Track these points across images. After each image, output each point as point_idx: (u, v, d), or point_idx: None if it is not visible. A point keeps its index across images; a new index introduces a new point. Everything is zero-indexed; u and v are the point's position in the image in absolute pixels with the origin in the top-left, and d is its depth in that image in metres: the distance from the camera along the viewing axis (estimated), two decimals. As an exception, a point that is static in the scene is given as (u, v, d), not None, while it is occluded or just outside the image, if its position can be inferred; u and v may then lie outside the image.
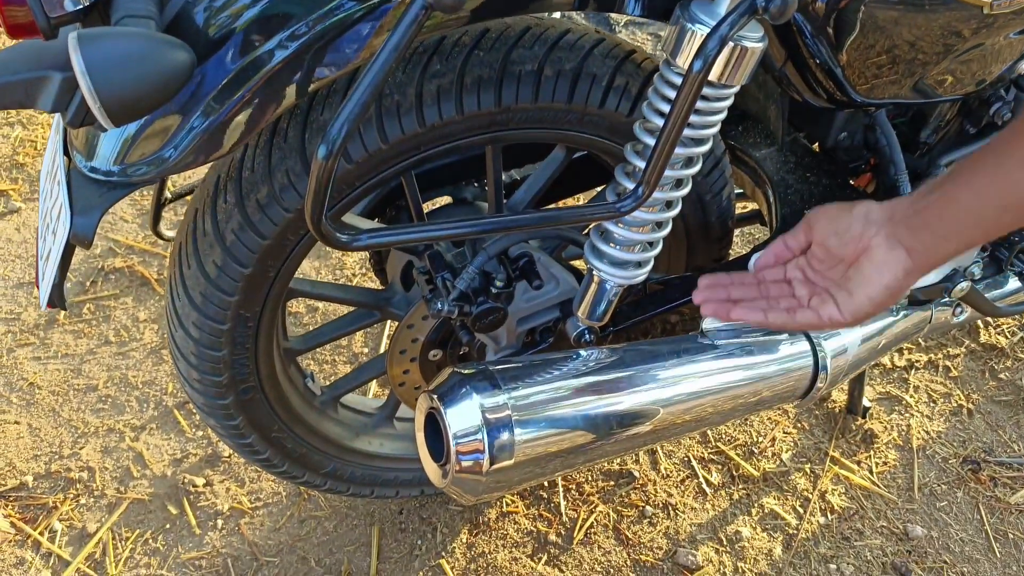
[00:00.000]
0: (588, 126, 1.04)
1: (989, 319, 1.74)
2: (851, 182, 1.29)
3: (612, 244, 0.99)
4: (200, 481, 1.51)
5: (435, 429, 0.93)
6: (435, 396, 0.91)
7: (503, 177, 1.30)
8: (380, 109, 0.94)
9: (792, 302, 0.93)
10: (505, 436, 0.90)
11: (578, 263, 1.23)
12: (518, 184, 1.30)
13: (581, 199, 1.79)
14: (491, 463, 0.90)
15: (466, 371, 0.92)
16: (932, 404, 1.66)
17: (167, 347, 1.48)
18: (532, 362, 0.97)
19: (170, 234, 1.21)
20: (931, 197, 0.82)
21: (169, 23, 0.80)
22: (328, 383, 1.31)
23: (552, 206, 1.32)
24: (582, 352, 1.01)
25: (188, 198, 1.19)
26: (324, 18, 0.80)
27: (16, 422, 1.58)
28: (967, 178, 0.80)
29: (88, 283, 1.83)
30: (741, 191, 1.39)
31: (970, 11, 0.95)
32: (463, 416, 0.89)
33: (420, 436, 0.93)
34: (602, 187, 1.40)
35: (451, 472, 0.90)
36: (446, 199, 1.29)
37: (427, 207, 1.29)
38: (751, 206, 1.55)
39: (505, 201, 1.23)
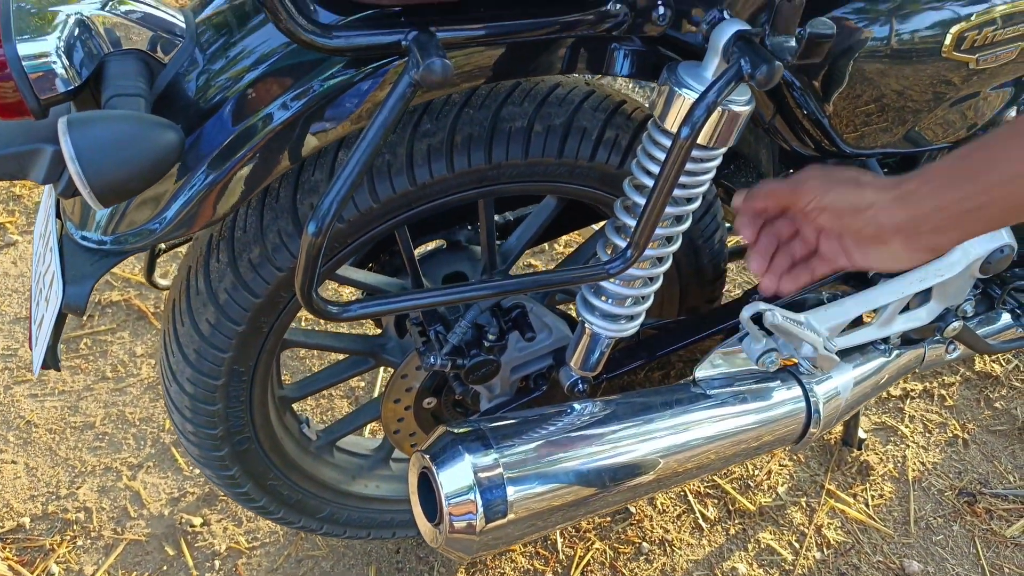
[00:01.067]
0: (579, 178, 1.04)
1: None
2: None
3: (604, 298, 0.99)
4: (197, 521, 1.51)
5: (429, 488, 0.93)
6: (427, 456, 0.91)
7: (497, 218, 1.31)
8: (371, 169, 0.94)
9: (804, 249, 0.91)
10: (498, 495, 0.90)
11: (572, 307, 1.24)
12: (512, 226, 1.31)
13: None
14: (485, 523, 0.90)
15: (458, 430, 0.93)
16: (928, 434, 1.67)
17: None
18: (525, 418, 0.98)
19: (164, 283, 1.22)
20: (962, 193, 0.75)
21: (160, 94, 0.81)
22: (323, 427, 1.32)
23: (543, 269, 1.33)
24: (575, 405, 1.01)
25: (182, 249, 1.20)
26: (317, 84, 0.80)
27: (13, 461, 1.59)
28: (1002, 170, 0.74)
29: (85, 318, 1.83)
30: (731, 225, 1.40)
31: (957, 66, 0.95)
32: (455, 477, 0.90)
33: (414, 497, 0.94)
34: (599, 223, 1.41)
35: (444, 533, 0.90)
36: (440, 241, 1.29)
37: (421, 249, 1.30)
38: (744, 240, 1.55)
39: (499, 243, 1.23)
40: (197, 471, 1.58)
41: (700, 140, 0.85)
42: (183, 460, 1.60)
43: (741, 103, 0.84)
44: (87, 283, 0.83)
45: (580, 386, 1.09)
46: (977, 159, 0.75)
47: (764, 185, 0.90)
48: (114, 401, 1.69)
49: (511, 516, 0.91)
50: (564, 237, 2.01)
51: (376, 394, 1.71)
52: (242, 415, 1.09)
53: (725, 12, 0.84)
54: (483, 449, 0.91)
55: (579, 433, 0.98)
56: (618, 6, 0.82)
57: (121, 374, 1.74)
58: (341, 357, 1.31)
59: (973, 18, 0.92)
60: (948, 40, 0.93)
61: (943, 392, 1.73)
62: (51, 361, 0.92)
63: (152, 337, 1.80)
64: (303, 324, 1.77)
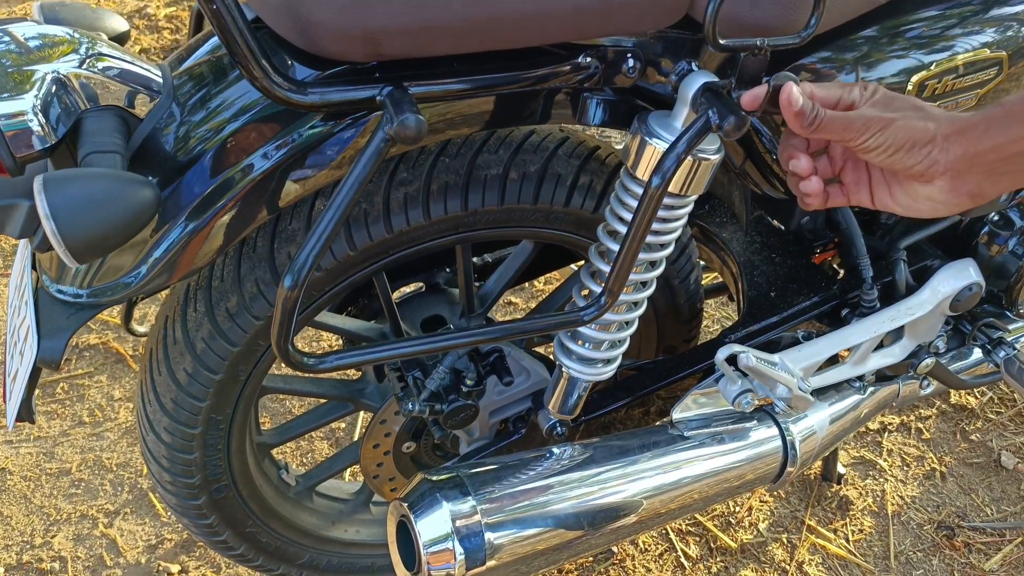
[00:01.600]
0: (554, 223, 1.06)
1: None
2: (814, 259, 1.31)
3: (580, 342, 1.00)
4: (175, 568, 1.49)
5: (408, 537, 0.93)
6: (405, 504, 0.91)
7: (476, 259, 1.32)
8: (348, 218, 0.95)
9: (827, 170, 0.82)
10: (477, 543, 0.90)
11: (550, 348, 1.24)
12: (490, 267, 1.32)
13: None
14: (464, 570, 0.90)
15: (436, 477, 0.93)
16: (906, 468, 1.68)
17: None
18: (504, 464, 0.98)
19: (142, 329, 1.22)
20: (1008, 134, 0.72)
21: (137, 149, 0.81)
22: (302, 471, 1.31)
23: (519, 319, 1.33)
24: (554, 450, 1.02)
25: (161, 295, 1.20)
26: (297, 136, 0.81)
27: (-13, 510, 1.56)
28: None
29: (62, 362, 1.81)
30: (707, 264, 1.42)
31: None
32: (433, 525, 0.89)
33: (393, 547, 0.93)
34: (578, 263, 1.42)
35: (423, 582, 0.90)
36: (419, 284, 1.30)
37: (400, 292, 1.30)
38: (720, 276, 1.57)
39: (478, 284, 1.24)
40: (175, 517, 1.56)
41: (671, 188, 0.86)
42: (161, 506, 1.58)
43: (711, 152, 0.85)
44: (63, 337, 0.83)
45: (559, 429, 1.09)
46: None
47: (819, 115, 0.75)
48: (91, 446, 1.67)
49: (491, 563, 0.91)
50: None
51: (356, 436, 1.71)
52: (220, 463, 1.08)
53: (693, 64, 0.86)
54: (461, 497, 0.91)
55: (558, 478, 0.98)
56: (589, 59, 0.84)
57: (98, 418, 1.72)
58: (320, 401, 1.31)
59: (933, 67, 0.95)
60: (910, 88, 0.96)
61: (920, 425, 1.75)
62: (26, 414, 0.92)
63: (130, 380, 1.79)
64: (281, 370, 1.77)
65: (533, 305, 2.00)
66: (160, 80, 0.83)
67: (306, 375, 1.27)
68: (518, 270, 1.17)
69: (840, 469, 1.63)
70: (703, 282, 1.46)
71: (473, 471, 0.95)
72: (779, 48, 0.77)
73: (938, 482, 1.66)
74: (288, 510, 1.24)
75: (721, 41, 0.74)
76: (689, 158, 0.84)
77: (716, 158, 0.86)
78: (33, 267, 0.91)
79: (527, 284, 2.07)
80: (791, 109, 0.74)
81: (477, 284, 1.24)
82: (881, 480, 1.66)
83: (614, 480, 1.01)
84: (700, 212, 1.37)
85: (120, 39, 0.89)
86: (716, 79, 0.83)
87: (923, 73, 0.95)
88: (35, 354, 0.82)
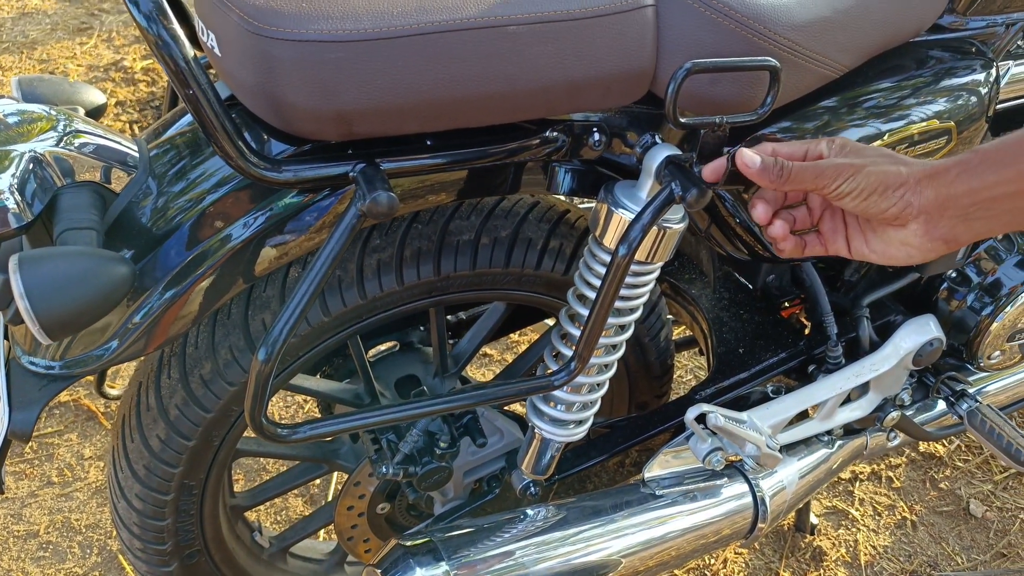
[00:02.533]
0: (526, 285, 1.08)
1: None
2: (782, 312, 1.34)
3: (552, 404, 1.01)
4: (145, 632, 1.46)
5: (382, 603, 0.93)
6: (378, 570, 0.91)
7: (450, 318, 1.34)
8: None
9: (804, 221, 0.83)
10: (450, 609, 0.90)
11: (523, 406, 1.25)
12: (464, 325, 1.34)
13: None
14: (437, 637, 0.90)
15: (409, 543, 0.93)
16: (877, 517, 1.70)
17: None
18: (478, 526, 0.99)
19: (115, 392, 1.21)
20: (973, 183, 0.72)
21: (113, 223, 0.82)
22: (276, 533, 1.30)
23: (491, 383, 1.35)
24: (528, 511, 1.02)
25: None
26: (275, 207, 0.83)
27: (-48, 575, 1.53)
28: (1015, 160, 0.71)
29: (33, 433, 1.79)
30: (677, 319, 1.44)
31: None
32: (407, 592, 0.89)
33: (366, 614, 0.93)
34: (551, 319, 1.44)
35: (397, 650, 0.90)
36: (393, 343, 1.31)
37: (375, 351, 1.31)
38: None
39: (453, 342, 1.25)
40: (146, 579, 1.54)
41: (638, 256, 0.89)
42: (130, 568, 1.55)
43: (675, 222, 0.88)
44: (34, 409, 0.83)
45: (532, 490, 1.10)
46: (1015, 145, 0.72)
47: (785, 168, 0.76)
48: (59, 507, 1.65)
49: (464, 629, 0.91)
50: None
51: (331, 494, 1.70)
52: (192, 529, 1.08)
53: (657, 137, 0.89)
54: (434, 562, 0.91)
55: (531, 540, 0.99)
56: (556, 133, 0.87)
57: (68, 478, 1.70)
58: (295, 462, 1.31)
59: (887, 136, 0.98)
60: (866, 155, 1.00)
61: (891, 474, 1.77)
62: (-4, 484, 0.91)
63: (101, 438, 1.77)
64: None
65: (509, 357, 2.01)
66: (136, 155, 0.84)
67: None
68: (491, 329, 1.19)
69: (813, 519, 1.64)
70: (674, 335, 1.48)
71: (447, 535, 0.95)
72: (737, 124, 0.80)
73: (909, 531, 1.68)
74: (261, 572, 1.23)
75: (682, 119, 0.77)
76: (654, 228, 0.86)
77: (680, 227, 0.89)
78: (5, 337, 0.91)
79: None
80: (751, 171, 0.77)
81: (451, 342, 1.25)
82: (853, 530, 1.67)
83: (587, 541, 1.02)
84: (670, 269, 1.39)
85: (97, 112, 0.91)
86: (679, 152, 0.86)
87: (879, 142, 0.99)
88: (6, 426, 0.82)
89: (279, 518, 1.66)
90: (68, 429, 1.79)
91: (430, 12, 0.72)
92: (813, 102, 1.00)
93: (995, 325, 1.24)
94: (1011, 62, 1.13)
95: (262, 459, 1.75)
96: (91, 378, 1.86)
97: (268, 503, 1.68)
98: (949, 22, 1.03)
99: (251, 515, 1.64)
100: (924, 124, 1.01)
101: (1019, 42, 1.14)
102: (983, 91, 1.03)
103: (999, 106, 1.13)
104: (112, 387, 1.24)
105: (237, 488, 1.66)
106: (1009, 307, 1.23)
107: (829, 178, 0.76)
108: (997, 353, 1.30)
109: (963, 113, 1.02)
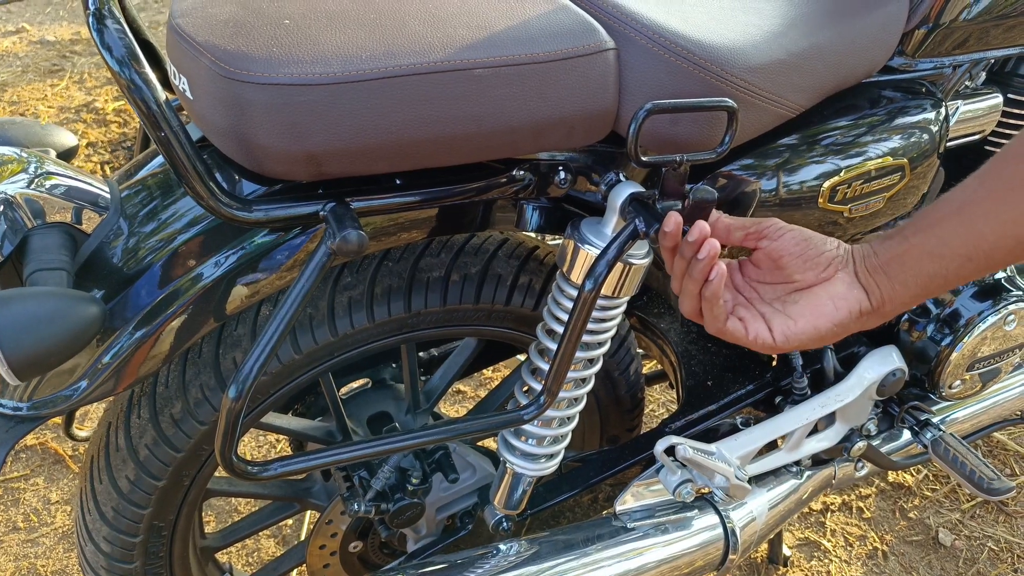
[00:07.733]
0: (496, 321, 1.09)
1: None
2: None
3: (523, 438, 1.02)
4: None
5: (352, 643, 0.92)
6: (351, 609, 0.91)
7: (422, 354, 1.34)
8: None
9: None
10: (423, 647, 0.90)
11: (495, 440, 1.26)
12: (436, 361, 1.34)
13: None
14: (410, 676, 0.90)
15: (382, 581, 0.93)
16: (849, 548, 1.71)
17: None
18: (450, 563, 0.99)
19: (83, 434, 1.20)
20: (892, 243, 0.80)
21: (84, 264, 0.83)
22: (248, 573, 1.29)
23: (462, 418, 1.36)
24: (500, 547, 1.03)
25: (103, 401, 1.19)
26: (247, 245, 0.84)
27: (-88, 626, 1.49)
28: (930, 225, 0.78)
29: (-3, 465, 1.77)
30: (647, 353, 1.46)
31: (834, 215, 1.05)
32: (380, 630, 0.89)
33: (337, 653, 0.92)
34: (523, 354, 1.45)
35: None
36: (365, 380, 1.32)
37: (347, 388, 1.31)
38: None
39: (425, 378, 1.26)
40: (113, 625, 1.51)
41: (604, 291, 0.91)
42: (98, 614, 1.52)
43: (639, 257, 0.90)
44: (0, 451, 0.82)
45: (505, 525, 1.10)
46: (931, 212, 0.79)
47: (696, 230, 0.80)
48: (25, 553, 1.61)
49: (437, 667, 0.91)
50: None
51: (303, 533, 1.68)
52: (161, 571, 1.07)
53: (621, 175, 0.92)
54: (407, 599, 0.91)
55: None
56: (523, 172, 0.89)
57: (34, 523, 1.67)
58: (266, 502, 1.30)
59: (843, 173, 1.02)
60: (824, 190, 1.03)
61: (861, 504, 1.79)
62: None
63: (69, 482, 1.74)
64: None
65: (482, 393, 2.02)
66: (108, 196, 0.85)
67: (251, 475, 1.26)
68: (463, 365, 1.20)
69: (786, 551, 1.65)
70: (644, 369, 1.50)
71: (420, 572, 0.95)
72: (697, 163, 0.83)
73: (880, 561, 1.69)
74: (232, 616, 1.22)
75: (643, 158, 0.80)
76: (620, 263, 0.88)
77: (645, 262, 0.91)
78: (-27, 378, 0.91)
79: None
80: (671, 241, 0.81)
81: (423, 379, 1.26)
82: (826, 561, 1.68)
83: (561, 575, 1.02)
84: (638, 303, 1.42)
85: (68, 154, 0.92)
86: (642, 189, 0.88)
87: (834, 179, 1.02)
88: (-28, 469, 0.81)
89: (251, 559, 1.64)
90: (35, 473, 1.76)
91: (398, 56, 0.74)
92: (773, 140, 1.04)
93: (955, 355, 1.27)
94: (960, 101, 1.17)
95: (233, 500, 1.73)
96: (59, 420, 1.84)
97: (239, 544, 1.66)
98: (899, 64, 1.07)
99: (222, 556, 1.62)
100: (879, 160, 1.04)
101: (966, 83, 1.18)
102: (934, 129, 1.07)
103: (950, 143, 1.18)
104: (80, 429, 1.23)
105: (208, 529, 1.64)
106: (967, 337, 1.26)
107: (766, 223, 0.84)
108: (958, 382, 1.33)
109: (916, 150, 1.06)
